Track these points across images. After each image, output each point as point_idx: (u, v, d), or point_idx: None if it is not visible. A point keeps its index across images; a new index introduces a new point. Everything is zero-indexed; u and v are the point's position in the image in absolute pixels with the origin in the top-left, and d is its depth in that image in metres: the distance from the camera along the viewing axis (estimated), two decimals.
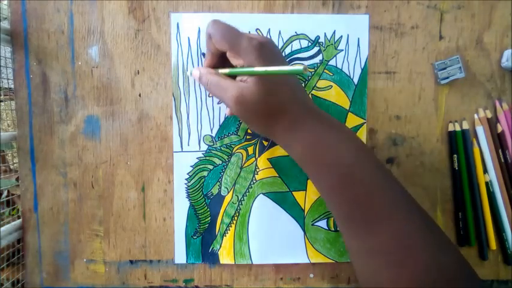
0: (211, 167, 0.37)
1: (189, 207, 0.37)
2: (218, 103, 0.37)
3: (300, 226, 0.37)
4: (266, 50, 0.29)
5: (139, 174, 0.37)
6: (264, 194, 0.37)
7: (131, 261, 0.38)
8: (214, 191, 0.37)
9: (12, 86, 0.36)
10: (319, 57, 0.36)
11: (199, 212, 0.37)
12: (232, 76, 0.31)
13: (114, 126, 0.37)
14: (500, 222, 0.37)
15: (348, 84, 0.37)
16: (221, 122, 0.37)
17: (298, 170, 0.37)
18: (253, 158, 0.37)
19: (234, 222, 0.37)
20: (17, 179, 0.38)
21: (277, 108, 0.29)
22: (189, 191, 0.37)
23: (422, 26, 0.36)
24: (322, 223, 0.37)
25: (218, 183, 0.37)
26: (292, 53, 0.36)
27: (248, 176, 0.37)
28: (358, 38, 0.36)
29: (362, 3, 0.36)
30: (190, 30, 0.36)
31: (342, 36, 0.36)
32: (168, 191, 0.37)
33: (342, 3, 0.36)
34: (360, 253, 0.28)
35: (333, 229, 0.37)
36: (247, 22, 0.36)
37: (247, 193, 0.37)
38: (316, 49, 0.36)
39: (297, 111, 0.29)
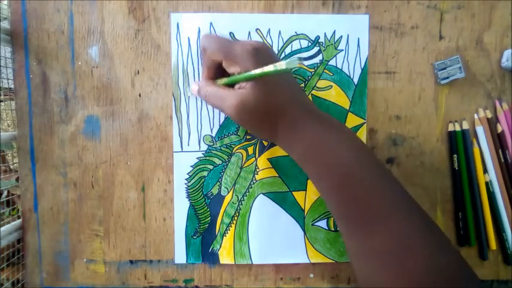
0: (211, 167, 0.37)
1: (189, 207, 0.37)
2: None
3: (300, 226, 0.37)
4: (261, 54, 0.29)
5: (139, 174, 0.37)
6: (264, 194, 0.37)
7: (131, 261, 0.38)
8: (214, 191, 0.37)
9: (12, 86, 0.36)
10: (319, 57, 0.36)
11: (199, 212, 0.37)
12: (231, 86, 0.31)
13: (114, 126, 0.37)
14: (500, 222, 0.37)
15: (348, 84, 0.37)
16: (221, 122, 0.37)
17: (298, 170, 0.37)
18: (253, 158, 0.37)
19: (234, 222, 0.37)
20: (17, 179, 0.38)
21: (277, 109, 0.29)
22: (189, 191, 0.37)
23: (422, 26, 0.36)
24: (322, 223, 0.37)
25: (218, 183, 0.37)
26: (292, 53, 0.36)
27: (248, 176, 0.37)
28: (358, 38, 0.36)
29: (362, 3, 0.36)
30: (190, 30, 0.36)
31: (342, 36, 0.36)
32: (168, 191, 0.37)
33: (342, 3, 0.36)
34: (360, 253, 0.28)
35: (333, 229, 0.37)
36: (247, 22, 0.36)
37: (247, 193, 0.37)
38: (316, 49, 0.36)
39: (296, 112, 0.29)
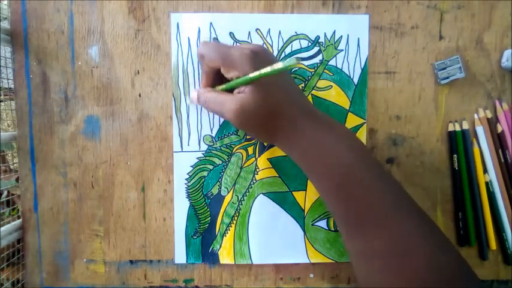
0: (211, 167, 0.37)
1: (189, 207, 0.37)
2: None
3: (300, 226, 0.37)
4: (259, 57, 0.29)
5: (139, 174, 0.37)
6: (264, 194, 0.37)
7: (131, 261, 0.38)
8: (214, 191, 0.37)
9: (12, 86, 0.36)
10: (319, 57, 0.36)
11: (199, 212, 0.37)
12: (230, 91, 0.31)
13: (114, 126, 0.37)
14: (500, 222, 0.37)
15: (348, 84, 0.37)
16: (221, 122, 0.37)
17: (298, 170, 0.36)
18: (253, 158, 0.37)
19: (234, 222, 0.37)
20: (17, 179, 0.38)
21: (276, 110, 0.29)
22: (189, 191, 0.37)
23: (422, 26, 0.36)
24: (322, 223, 0.37)
25: (218, 183, 0.37)
26: (292, 53, 0.36)
27: (248, 176, 0.37)
28: (358, 38, 0.36)
29: (362, 3, 0.36)
30: (190, 30, 0.36)
31: (342, 36, 0.36)
32: (168, 191, 0.37)
33: (342, 3, 0.36)
34: (360, 254, 0.28)
35: (333, 229, 0.37)
36: (247, 22, 0.36)
37: (247, 193, 0.37)
38: (316, 49, 0.36)
39: (295, 112, 0.29)
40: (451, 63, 0.36)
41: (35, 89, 0.36)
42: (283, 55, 0.36)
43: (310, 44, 0.36)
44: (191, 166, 0.37)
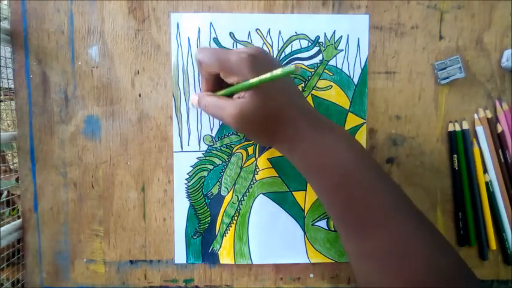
0: (211, 167, 0.37)
1: (189, 207, 0.37)
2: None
3: (300, 226, 0.37)
4: (258, 60, 0.29)
5: (139, 174, 0.37)
6: (264, 194, 0.37)
7: (131, 261, 0.38)
8: (214, 191, 0.37)
9: (12, 86, 0.36)
10: (319, 57, 0.36)
11: (199, 212, 0.37)
12: (230, 96, 0.31)
13: (114, 126, 0.37)
14: (500, 222, 0.37)
15: (348, 84, 0.37)
16: (221, 122, 0.37)
17: None
18: (253, 158, 0.37)
19: (234, 222, 0.37)
20: (17, 179, 0.38)
21: (276, 113, 0.29)
22: (189, 191, 0.37)
23: (422, 26, 0.36)
24: (322, 223, 0.37)
25: (218, 183, 0.37)
26: (292, 53, 0.36)
27: (248, 176, 0.37)
28: (358, 38, 0.36)
29: (362, 3, 0.36)
30: (190, 30, 0.36)
31: (342, 36, 0.36)
32: (168, 191, 0.37)
33: (342, 3, 0.36)
34: (359, 255, 0.28)
35: (332, 229, 0.37)
36: (247, 22, 0.36)
37: (247, 193, 0.37)
38: (316, 49, 0.36)
39: (295, 114, 0.29)
40: (451, 63, 0.36)
41: (35, 89, 0.36)
42: (283, 55, 0.36)
43: (310, 44, 0.36)
44: (191, 166, 0.37)
